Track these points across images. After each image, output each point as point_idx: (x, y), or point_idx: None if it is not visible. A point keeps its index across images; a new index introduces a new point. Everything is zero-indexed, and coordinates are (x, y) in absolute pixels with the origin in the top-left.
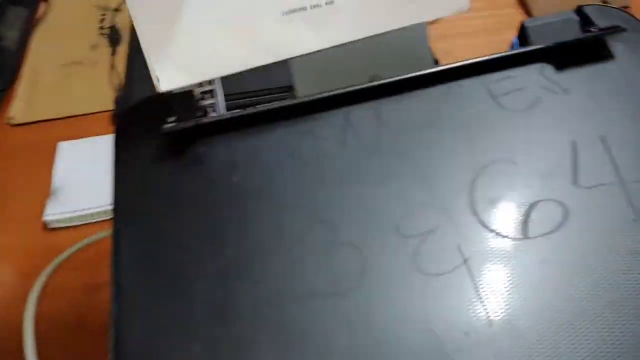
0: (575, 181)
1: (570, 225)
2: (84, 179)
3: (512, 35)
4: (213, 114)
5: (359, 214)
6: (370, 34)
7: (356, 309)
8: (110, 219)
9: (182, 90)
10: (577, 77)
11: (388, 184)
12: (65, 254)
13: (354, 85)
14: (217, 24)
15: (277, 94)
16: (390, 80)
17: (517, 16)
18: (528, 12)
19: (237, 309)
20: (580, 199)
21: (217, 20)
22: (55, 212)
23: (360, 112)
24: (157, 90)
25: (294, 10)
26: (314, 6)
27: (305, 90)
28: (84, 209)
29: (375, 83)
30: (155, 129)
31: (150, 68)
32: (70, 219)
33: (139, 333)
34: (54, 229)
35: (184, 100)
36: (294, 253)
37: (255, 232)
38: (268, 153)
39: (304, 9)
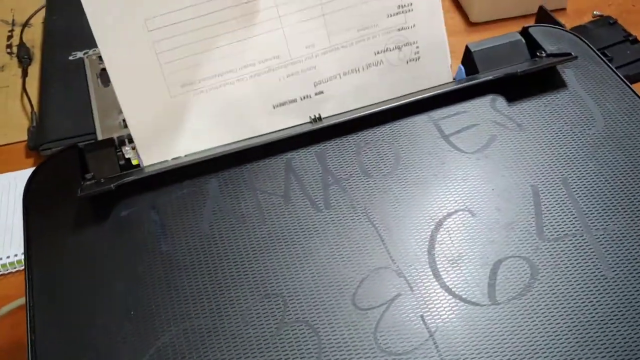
0: (540, 233)
1: (539, 285)
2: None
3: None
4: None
5: (309, 284)
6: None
7: None
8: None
9: (99, 140)
10: (530, 109)
11: (340, 245)
12: None
13: (294, 129)
14: (209, 119)
15: None
16: (333, 122)
17: (454, 20)
18: (465, 16)
19: None
20: (547, 254)
21: (209, 115)
22: None
23: (303, 159)
24: (140, 164)
25: (284, 103)
26: (304, 97)
27: None
28: None
29: (317, 126)
30: (70, 190)
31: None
32: None
33: None
34: None
35: (102, 152)
36: (238, 336)
37: (192, 312)
38: (201, 212)
39: (294, 101)
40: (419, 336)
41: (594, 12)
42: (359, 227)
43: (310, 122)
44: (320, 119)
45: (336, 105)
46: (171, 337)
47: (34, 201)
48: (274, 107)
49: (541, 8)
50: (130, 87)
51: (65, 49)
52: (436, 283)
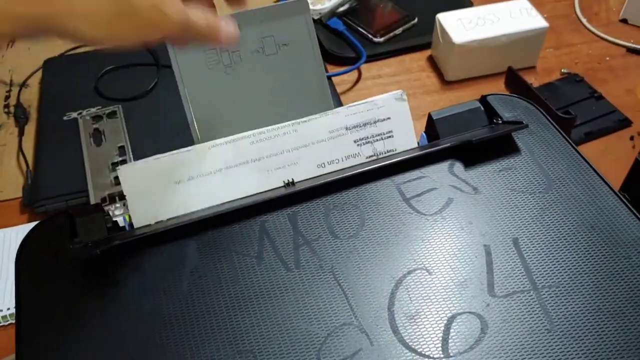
0: (491, 290)
1: (488, 339)
2: None
3: (425, 100)
4: (120, 219)
5: (278, 340)
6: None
7: None
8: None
9: (90, 205)
10: (486, 174)
11: (308, 303)
12: None
13: (268, 193)
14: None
15: None
16: (304, 187)
17: (430, 79)
18: (441, 75)
19: None
20: (497, 310)
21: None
22: None
23: (277, 221)
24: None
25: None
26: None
27: (205, 138)
28: None
29: (290, 190)
30: (60, 254)
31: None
32: None
33: None
34: None
35: (91, 216)
36: None
37: None
38: (181, 273)
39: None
40: None
41: (562, 70)
42: (326, 286)
43: (284, 187)
44: (293, 183)
45: (307, 170)
46: None
47: (26, 264)
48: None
49: (510, 68)
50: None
51: (60, 109)
52: (394, 338)
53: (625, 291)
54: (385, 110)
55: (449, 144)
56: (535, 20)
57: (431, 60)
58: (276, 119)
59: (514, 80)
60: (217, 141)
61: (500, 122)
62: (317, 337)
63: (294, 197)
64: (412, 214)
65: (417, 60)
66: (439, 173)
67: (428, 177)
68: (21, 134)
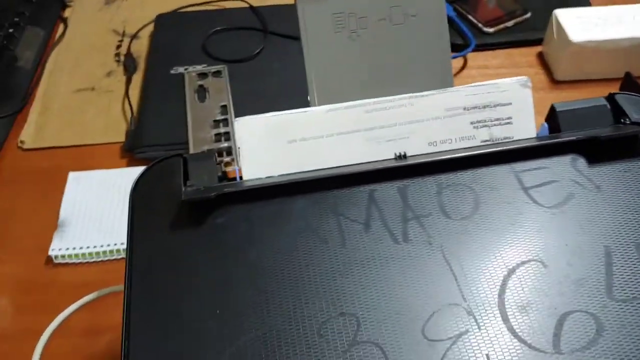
0: (609, 292)
1: (604, 342)
2: (91, 213)
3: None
4: (232, 168)
5: (383, 309)
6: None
7: None
8: (114, 260)
9: (202, 151)
10: (610, 173)
11: (415, 277)
12: (81, 302)
13: (380, 163)
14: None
15: None
16: (416, 162)
17: (539, 77)
18: (550, 74)
19: None
20: (615, 313)
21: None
22: (61, 247)
23: (386, 192)
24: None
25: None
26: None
27: (323, 101)
28: (89, 247)
29: (402, 163)
30: (173, 193)
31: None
32: (76, 255)
33: None
34: (58, 264)
35: (203, 162)
36: (313, 347)
37: (272, 318)
38: (288, 228)
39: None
40: None
41: None
42: (434, 263)
43: (395, 159)
44: (405, 156)
45: (419, 146)
46: (251, 338)
47: (141, 198)
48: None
49: (627, 74)
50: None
51: (167, 63)
52: (503, 325)
53: None
54: (508, 95)
55: (574, 138)
56: None
57: (541, 57)
58: (395, 90)
59: (631, 88)
60: (334, 106)
61: (629, 122)
62: (422, 312)
63: (406, 170)
64: (529, 204)
65: (526, 55)
66: (561, 166)
67: (549, 168)
68: (128, 82)
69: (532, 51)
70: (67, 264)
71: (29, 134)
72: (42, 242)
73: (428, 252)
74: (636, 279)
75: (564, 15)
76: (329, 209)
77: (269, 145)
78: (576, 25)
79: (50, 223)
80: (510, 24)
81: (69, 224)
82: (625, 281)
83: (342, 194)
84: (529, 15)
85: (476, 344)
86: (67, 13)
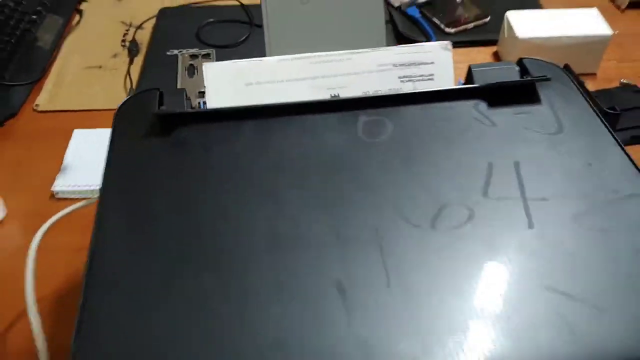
0: (484, 193)
1: (471, 226)
2: (91, 161)
3: None
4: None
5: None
6: None
7: None
8: None
9: (176, 88)
10: (506, 114)
11: (332, 178)
12: (58, 215)
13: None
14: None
15: None
16: (345, 97)
17: None
18: None
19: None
20: (485, 207)
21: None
22: (63, 184)
23: (318, 120)
24: None
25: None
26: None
27: (276, 54)
28: (87, 185)
29: (334, 98)
30: (147, 115)
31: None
32: (75, 192)
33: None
34: (61, 199)
35: (175, 95)
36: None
37: (222, 207)
38: (236, 142)
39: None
40: (369, 238)
41: (622, 80)
42: (344, 167)
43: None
44: (338, 96)
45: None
46: (206, 222)
47: (120, 120)
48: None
49: (566, 66)
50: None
51: (165, 47)
52: (394, 210)
53: (604, 212)
54: (431, 56)
55: (477, 85)
56: (601, 28)
57: (496, 56)
58: (337, 47)
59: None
60: (284, 57)
61: (529, 78)
62: (340, 201)
63: (335, 104)
64: (434, 134)
65: (483, 53)
66: (465, 108)
67: (455, 109)
68: (131, 62)
69: (489, 50)
70: (67, 199)
71: (43, 99)
72: (47, 183)
73: (340, 159)
74: (507, 185)
75: (514, 16)
76: (273, 133)
77: (230, 87)
78: (525, 24)
79: (56, 169)
80: (470, 26)
81: (70, 168)
82: (498, 186)
83: (283, 120)
84: (488, 19)
85: (371, 220)
86: (82, 6)
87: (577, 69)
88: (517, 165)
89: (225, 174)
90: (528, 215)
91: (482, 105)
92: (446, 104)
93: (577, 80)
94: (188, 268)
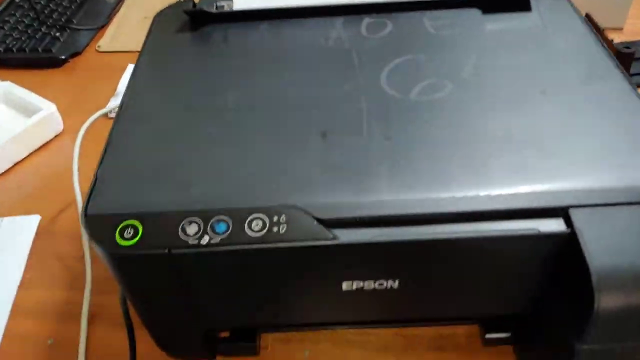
0: (459, 74)
1: (450, 93)
2: None
3: None
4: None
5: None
6: None
7: None
8: None
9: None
10: (496, 19)
11: (331, 64)
12: (99, 113)
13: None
14: None
15: None
16: (350, 2)
17: None
18: None
19: None
20: (462, 84)
21: None
22: (115, 105)
23: (327, 22)
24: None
25: None
26: None
27: None
28: None
29: (340, 3)
30: (182, 17)
31: None
32: None
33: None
34: (112, 118)
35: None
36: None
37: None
38: (255, 35)
39: None
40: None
41: None
42: (347, 57)
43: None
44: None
45: None
46: (235, 97)
47: (157, 22)
48: None
49: (587, 15)
50: None
51: None
52: (380, 84)
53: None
54: None
55: None
56: None
57: None
58: None
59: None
60: None
61: None
62: (342, 83)
63: (342, 9)
64: (431, 33)
65: None
66: (460, 14)
67: (450, 14)
68: None
69: None
70: None
71: (105, 41)
72: (102, 106)
73: (345, 50)
74: (483, 67)
75: None
76: (282, 28)
77: None
78: None
79: (111, 94)
80: None
81: (122, 93)
82: (476, 69)
83: (292, 20)
84: None
85: (360, 90)
86: None
87: (601, 22)
88: (494, 58)
89: (239, 57)
90: (498, 86)
91: (476, 12)
92: (443, 11)
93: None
94: (202, 116)
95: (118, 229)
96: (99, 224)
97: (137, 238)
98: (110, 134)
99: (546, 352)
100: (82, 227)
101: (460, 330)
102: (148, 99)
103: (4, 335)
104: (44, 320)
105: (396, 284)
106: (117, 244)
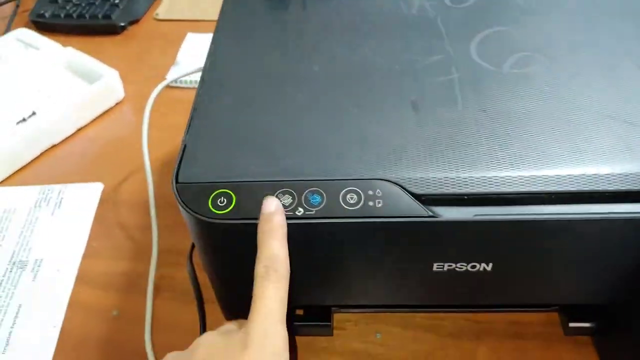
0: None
1: (539, 67)
2: (200, 56)
3: None
4: None
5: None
6: None
7: None
8: None
9: None
10: None
11: (414, 35)
12: (164, 83)
13: None
14: None
15: None
16: None
17: None
18: None
19: None
20: (556, 55)
21: None
22: (175, 75)
23: None
24: None
25: None
26: None
27: None
28: (196, 77)
29: None
30: None
31: None
32: (186, 81)
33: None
34: (173, 87)
35: None
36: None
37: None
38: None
39: None
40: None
41: None
42: (432, 26)
43: None
44: None
45: None
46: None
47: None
48: None
49: None
50: None
51: None
52: (472, 54)
53: None
54: None
55: None
56: None
57: None
58: None
59: None
60: None
61: None
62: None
63: None
64: (519, 1)
65: None
66: None
67: None
68: None
69: None
70: (178, 87)
71: (163, 10)
72: (161, 74)
73: (430, 19)
74: (577, 40)
75: None
76: None
77: None
78: None
79: (169, 64)
80: None
81: (182, 62)
82: (570, 41)
83: None
84: None
85: (448, 60)
86: None
87: None
88: (593, 29)
89: (320, 24)
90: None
91: None
92: None
93: None
94: (287, 84)
95: (211, 198)
96: (191, 192)
97: (231, 207)
98: (196, 101)
99: (633, 345)
100: (175, 195)
101: (535, 317)
102: (230, 67)
103: (68, 304)
104: (108, 290)
105: (489, 267)
106: (211, 212)
